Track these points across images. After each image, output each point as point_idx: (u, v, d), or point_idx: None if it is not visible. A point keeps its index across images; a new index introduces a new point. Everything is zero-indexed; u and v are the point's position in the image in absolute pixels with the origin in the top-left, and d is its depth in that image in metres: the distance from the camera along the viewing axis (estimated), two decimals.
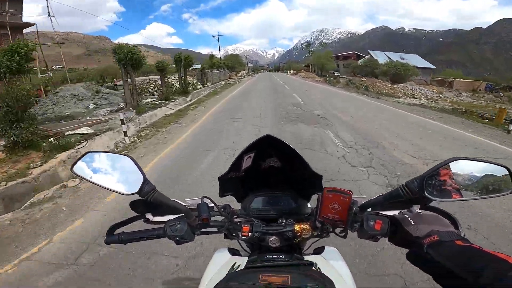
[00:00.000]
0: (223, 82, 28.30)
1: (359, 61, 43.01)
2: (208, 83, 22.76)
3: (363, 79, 28.36)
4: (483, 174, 0.55)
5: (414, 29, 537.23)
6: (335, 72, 43.21)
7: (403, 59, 41.95)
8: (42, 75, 17.30)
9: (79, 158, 0.63)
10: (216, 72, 29.28)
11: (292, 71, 68.09)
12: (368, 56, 45.16)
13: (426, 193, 0.52)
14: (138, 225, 0.73)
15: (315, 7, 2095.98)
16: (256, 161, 0.73)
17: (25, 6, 14.34)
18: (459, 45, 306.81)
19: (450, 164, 0.53)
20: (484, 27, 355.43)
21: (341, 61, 50.72)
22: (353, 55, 53.87)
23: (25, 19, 14.31)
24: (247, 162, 0.71)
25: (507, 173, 0.54)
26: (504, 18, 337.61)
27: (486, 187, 0.55)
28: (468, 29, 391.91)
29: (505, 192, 0.54)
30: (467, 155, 2.70)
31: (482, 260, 0.42)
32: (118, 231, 0.67)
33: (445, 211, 0.62)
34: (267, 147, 0.71)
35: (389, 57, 42.72)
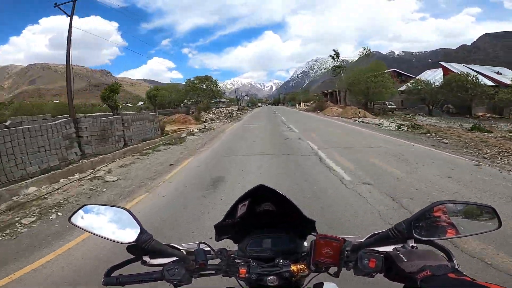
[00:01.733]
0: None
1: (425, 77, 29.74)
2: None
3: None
4: (470, 214, 0.60)
5: (403, 52, 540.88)
6: (387, 103, 27.49)
7: (499, 73, 29.97)
8: None
9: (77, 210, 0.66)
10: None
11: (303, 104, 51.88)
12: (432, 72, 32.06)
13: (414, 234, 0.57)
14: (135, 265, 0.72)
15: (308, 37, 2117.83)
16: (251, 206, 0.73)
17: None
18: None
19: (438, 206, 0.58)
20: (469, 43, 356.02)
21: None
22: (392, 73, 36.36)
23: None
24: (241, 210, 0.72)
25: (492, 212, 0.59)
26: (486, 33, 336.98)
27: (474, 225, 0.59)
28: (454, 47, 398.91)
29: (492, 229, 0.59)
30: None
31: None
32: (115, 273, 0.67)
33: (438, 244, 0.62)
34: (261, 194, 0.72)
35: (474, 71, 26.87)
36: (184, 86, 40.85)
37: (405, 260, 0.55)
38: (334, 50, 40.36)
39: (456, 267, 0.54)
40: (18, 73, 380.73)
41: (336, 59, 40.60)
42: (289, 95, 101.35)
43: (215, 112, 35.52)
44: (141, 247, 0.61)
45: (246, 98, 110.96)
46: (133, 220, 0.62)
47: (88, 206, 0.67)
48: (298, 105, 55.92)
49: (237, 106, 55.04)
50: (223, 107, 54.77)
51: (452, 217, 0.58)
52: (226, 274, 0.69)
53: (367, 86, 25.66)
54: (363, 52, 41.01)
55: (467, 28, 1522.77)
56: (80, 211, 0.66)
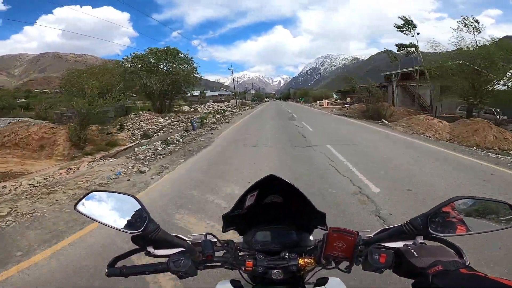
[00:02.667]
0: None
1: None
2: None
3: None
4: (487, 210, 0.59)
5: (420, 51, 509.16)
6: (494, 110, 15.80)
7: None
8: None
9: (83, 197, 0.64)
10: None
11: (325, 102, 36.61)
12: None
13: (430, 230, 0.56)
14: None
15: (318, 33, 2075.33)
16: (259, 197, 0.73)
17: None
18: None
19: (454, 202, 0.57)
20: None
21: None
22: None
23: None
24: (250, 200, 0.72)
25: (508, 208, 0.58)
26: (506, 35, 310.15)
27: (490, 222, 0.58)
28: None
29: (508, 226, 0.57)
30: None
31: (488, 287, 0.43)
32: (119, 264, 0.65)
33: (449, 241, 0.61)
34: (270, 185, 0.72)
35: None
36: (123, 67, 22.05)
37: (416, 255, 0.55)
38: (403, 18, 21.41)
39: (467, 263, 0.53)
40: (30, 61, 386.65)
41: (409, 30, 22.31)
42: (300, 90, 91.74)
43: (191, 110, 25.47)
44: (148, 237, 0.60)
45: (252, 91, 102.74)
46: (141, 208, 0.61)
47: (94, 192, 0.66)
48: (319, 102, 39.91)
49: (236, 101, 42.12)
50: (222, 101, 45.58)
51: (467, 213, 0.58)
52: (232, 266, 0.67)
53: (475, 79, 14.46)
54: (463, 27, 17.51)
55: (487, 30, 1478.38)
56: (87, 199, 0.64)
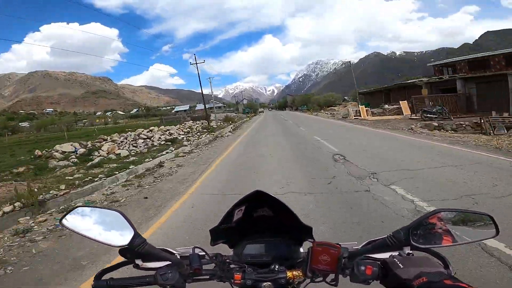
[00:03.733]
0: None
1: None
2: None
3: None
4: (470, 222, 0.61)
5: (404, 52, 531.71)
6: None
7: None
8: None
9: (68, 212, 0.65)
10: None
11: (353, 113, 22.84)
12: None
13: (412, 242, 0.57)
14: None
15: (308, 40, 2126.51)
16: (247, 211, 0.73)
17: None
18: None
19: (439, 213, 0.59)
20: (470, 42, 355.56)
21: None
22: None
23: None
24: (238, 215, 0.72)
25: (490, 220, 0.60)
26: (487, 31, 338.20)
27: (472, 232, 0.60)
28: (454, 46, 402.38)
29: (489, 236, 0.60)
30: None
31: None
32: (106, 276, 0.65)
33: (435, 251, 0.63)
34: (258, 200, 0.72)
35: None
36: None
37: (402, 266, 0.56)
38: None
39: (452, 274, 0.54)
40: (19, 81, 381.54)
41: None
42: (299, 97, 76.92)
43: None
44: (134, 251, 0.61)
45: (243, 101, 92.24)
46: (127, 223, 0.62)
47: (80, 208, 0.66)
48: (350, 110, 25.05)
49: (212, 117, 28.53)
50: (198, 118, 33.11)
51: (449, 224, 0.59)
52: (220, 280, 0.69)
53: None
54: None
55: (466, 26, 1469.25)
56: (72, 213, 0.65)
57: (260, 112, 75.27)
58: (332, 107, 37.05)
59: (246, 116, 47.49)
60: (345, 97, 48.84)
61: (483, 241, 0.63)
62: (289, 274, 0.65)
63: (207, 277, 0.68)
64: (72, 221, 0.63)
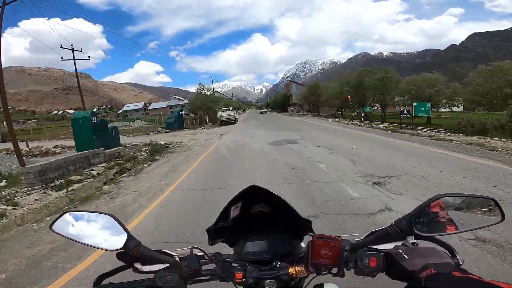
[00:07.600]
0: None
1: None
2: None
3: None
4: (473, 207, 0.58)
5: (391, 53, 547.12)
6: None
7: None
8: None
9: (58, 217, 0.62)
10: None
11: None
12: None
13: (415, 230, 0.55)
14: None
15: (296, 40, 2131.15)
16: (244, 208, 0.73)
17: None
18: (440, 65, 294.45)
19: (440, 200, 0.57)
20: (457, 43, 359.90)
21: None
22: None
23: None
24: (234, 212, 0.71)
25: (494, 204, 0.58)
26: (474, 33, 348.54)
27: (476, 218, 0.58)
28: (438, 48, 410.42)
29: (494, 222, 0.57)
30: None
31: None
32: (105, 281, 0.63)
33: (440, 240, 0.60)
34: (254, 195, 0.71)
35: None
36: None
37: (407, 258, 0.54)
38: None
39: (460, 263, 0.53)
40: None
41: None
42: (310, 85, 45.69)
43: None
44: (130, 254, 0.59)
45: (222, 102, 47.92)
46: (119, 226, 0.60)
47: (70, 213, 0.63)
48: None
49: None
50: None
51: (452, 211, 0.57)
52: (221, 279, 0.67)
53: None
54: None
55: (450, 29, 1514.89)
56: (62, 219, 0.62)
57: (239, 113, 45.99)
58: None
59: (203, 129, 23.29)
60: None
61: (487, 227, 0.58)
62: (291, 270, 0.64)
63: (208, 277, 0.67)
64: (62, 226, 0.61)
